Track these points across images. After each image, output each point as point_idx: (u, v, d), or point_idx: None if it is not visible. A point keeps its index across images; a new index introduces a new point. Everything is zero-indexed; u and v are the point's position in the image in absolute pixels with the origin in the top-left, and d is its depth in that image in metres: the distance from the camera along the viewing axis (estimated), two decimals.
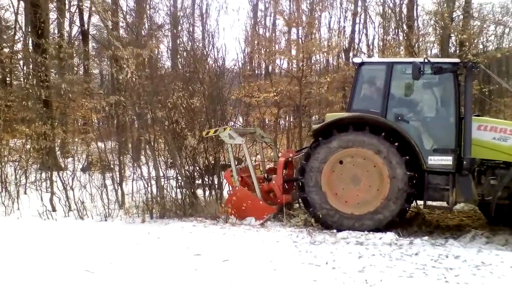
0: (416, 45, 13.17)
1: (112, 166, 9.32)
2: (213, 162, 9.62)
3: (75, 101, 13.74)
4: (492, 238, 6.89)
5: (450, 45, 14.19)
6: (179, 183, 8.60)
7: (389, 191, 6.78)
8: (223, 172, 10.36)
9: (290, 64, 17.10)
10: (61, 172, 9.26)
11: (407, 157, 6.75)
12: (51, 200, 8.61)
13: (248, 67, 20.61)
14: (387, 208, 6.82)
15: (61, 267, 5.11)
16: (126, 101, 8.65)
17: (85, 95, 12.97)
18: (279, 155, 9.48)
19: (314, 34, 16.37)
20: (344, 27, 19.21)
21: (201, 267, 5.14)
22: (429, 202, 7.11)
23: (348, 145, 6.94)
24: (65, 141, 12.50)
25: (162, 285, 4.58)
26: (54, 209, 8.49)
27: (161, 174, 8.67)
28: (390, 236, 6.48)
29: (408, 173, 6.72)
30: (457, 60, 7.09)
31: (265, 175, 8.52)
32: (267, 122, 16.41)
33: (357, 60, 7.58)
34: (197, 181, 9.39)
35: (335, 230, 6.97)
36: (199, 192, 9.11)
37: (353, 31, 17.50)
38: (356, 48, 17.50)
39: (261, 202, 7.71)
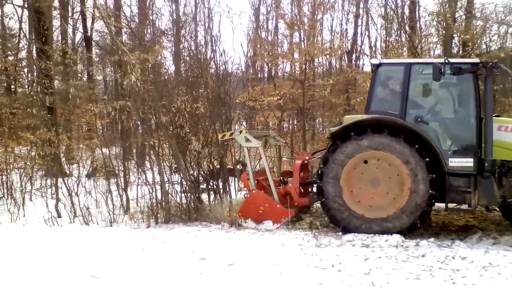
0: (419, 46, 13.15)
1: (116, 172, 9.33)
2: (218, 166, 9.63)
3: (79, 107, 13.82)
4: (499, 239, 6.82)
5: (453, 45, 14.18)
6: (184, 188, 8.61)
7: (406, 203, 6.70)
8: (228, 176, 10.40)
9: (293, 67, 17.13)
10: (66, 178, 9.28)
11: (434, 175, 6.64)
12: (56, 206, 8.63)
13: (251, 71, 20.68)
14: (399, 219, 6.73)
15: (66, 273, 5.13)
16: (131, 107, 8.66)
17: (90, 101, 13.01)
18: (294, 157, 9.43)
19: (316, 37, 16.40)
20: (346, 29, 19.23)
21: (206, 272, 5.14)
22: (450, 205, 6.91)
23: (378, 147, 6.82)
24: (69, 148, 12.54)
25: None
26: (59, 215, 8.52)
27: (166, 179, 8.68)
28: (396, 238, 6.44)
29: (431, 191, 6.63)
30: (477, 60, 6.96)
31: (281, 178, 8.47)
32: (270, 125, 16.40)
33: (374, 61, 7.44)
34: (201, 186, 9.41)
35: (340, 233, 6.94)
36: (204, 196, 9.11)
37: (355, 33, 17.51)
38: (358, 50, 17.51)
39: (278, 206, 7.66)
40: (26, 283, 4.84)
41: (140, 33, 11.11)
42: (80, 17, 18.48)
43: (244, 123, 18.00)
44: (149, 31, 15.84)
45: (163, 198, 8.35)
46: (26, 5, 16.25)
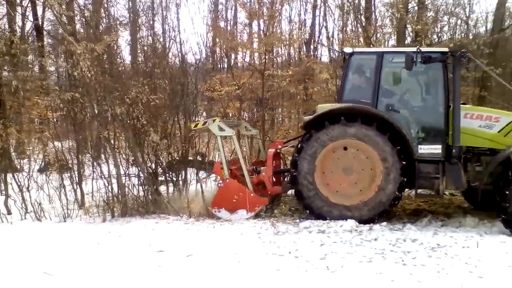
0: (374, 36, 13.46)
1: (70, 166, 9.05)
2: (178, 158, 9.53)
3: (30, 100, 13.23)
4: (447, 221, 7.19)
5: (406, 36, 14.61)
6: (141, 181, 8.47)
7: (371, 198, 6.90)
8: (189, 168, 10.31)
9: (252, 57, 17.11)
10: (17, 173, 8.90)
11: (405, 179, 6.84)
12: (6, 203, 8.27)
13: (211, 61, 20.49)
14: (360, 211, 6.94)
15: (17, 271, 4.94)
16: (83, 98, 8.38)
17: (39, 93, 12.46)
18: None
19: (276, 27, 16.44)
20: (304, 20, 19.38)
21: (164, 264, 5.10)
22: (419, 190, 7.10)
23: (363, 138, 6.92)
24: (20, 141, 12.01)
25: (124, 284, 4.50)
26: (9, 212, 8.16)
27: (122, 172, 8.50)
28: (350, 223, 6.65)
29: (397, 193, 6.84)
30: (445, 49, 7.14)
31: (254, 167, 8.46)
32: (230, 116, 16.37)
33: (347, 50, 7.47)
34: (160, 178, 9.28)
35: (298, 220, 7.07)
36: (163, 188, 9.00)
37: (313, 24, 17.67)
38: (316, 41, 17.69)
39: (252, 194, 7.65)
40: None
41: (93, 22, 10.72)
42: (29, 5, 17.59)
43: (204, 114, 17.88)
44: (103, 20, 15.36)
45: (119, 191, 8.18)
46: None
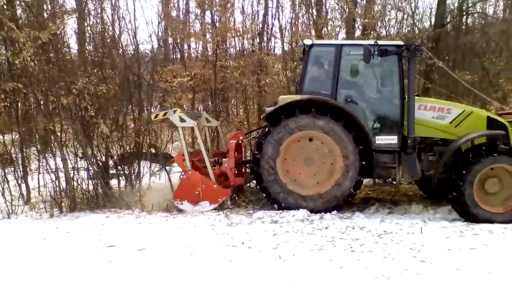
0: (324, 29, 13.70)
1: (14, 160, 8.61)
2: (130, 150, 9.32)
3: None
4: (394, 209, 7.52)
5: (356, 29, 15.00)
6: (91, 174, 8.21)
7: (327, 192, 7.08)
8: (142, 160, 10.10)
9: (205, 48, 16.92)
10: None
11: (362, 178, 7.07)
12: None
13: (163, 51, 20.05)
14: (314, 202, 7.11)
15: None
16: (26, 88, 7.96)
17: None
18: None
19: (228, 18, 16.32)
20: (257, 11, 19.36)
21: (115, 258, 5.00)
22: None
23: (329, 132, 7.02)
24: None
25: (73, 281, 4.37)
26: None
27: (71, 166, 8.20)
28: (302, 213, 6.80)
29: (352, 191, 7.05)
30: (400, 42, 7.32)
31: (215, 159, 8.41)
32: (184, 108, 16.15)
33: (307, 42, 7.52)
34: (111, 171, 9.05)
35: (251, 211, 7.15)
36: (114, 182, 8.78)
37: (265, 15, 17.70)
38: (269, 32, 17.74)
39: (215, 186, 7.61)
40: None
41: (36, 7, 10.15)
42: None
43: (158, 106, 17.53)
44: (48, 6, 14.59)
45: (67, 186, 7.89)
46: None
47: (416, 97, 7.21)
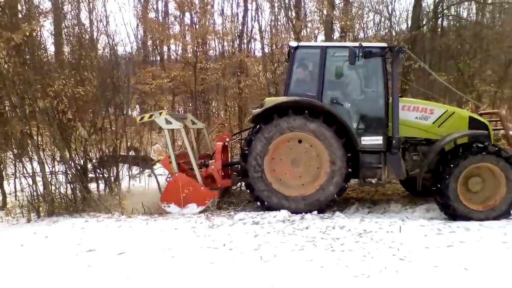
0: (302, 31, 13.82)
1: None
2: (109, 153, 9.21)
3: None
4: (373, 208, 7.64)
5: (335, 31, 15.17)
6: (69, 178, 8.08)
7: (310, 195, 7.12)
8: (122, 163, 9.99)
9: (185, 50, 16.85)
10: None
11: (346, 185, 7.15)
12: None
13: (143, 53, 19.89)
14: (297, 203, 7.14)
15: None
16: (0, 91, 7.78)
17: None
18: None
19: (208, 20, 16.29)
20: (237, 13, 19.39)
21: (95, 263, 4.93)
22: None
23: (319, 136, 7.05)
24: None
25: (51, 286, 4.30)
26: None
27: (49, 170, 8.05)
28: (283, 213, 6.83)
29: (335, 197, 7.08)
30: (384, 44, 7.41)
31: (202, 161, 8.36)
32: (165, 110, 16.05)
33: (292, 44, 7.55)
34: (90, 175, 8.92)
35: (232, 213, 7.15)
36: (93, 186, 8.66)
37: (244, 17, 17.74)
38: (249, 34, 17.79)
39: (202, 188, 7.57)
40: None
41: (9, 7, 9.92)
42: None
43: (137, 108, 17.36)
44: (22, 7, 14.29)
45: (45, 190, 7.74)
46: None
47: (400, 98, 7.32)
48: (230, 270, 4.55)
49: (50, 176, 7.95)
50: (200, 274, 4.45)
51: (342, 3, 14.47)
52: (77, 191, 7.97)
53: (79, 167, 8.37)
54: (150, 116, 7.99)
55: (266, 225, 6.35)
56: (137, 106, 17.15)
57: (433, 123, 7.28)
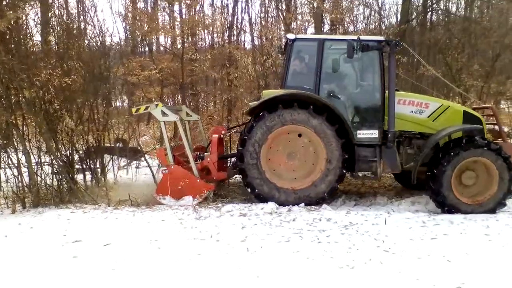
0: (293, 24, 13.81)
1: None
2: (97, 144, 9.14)
3: None
4: (359, 201, 7.70)
5: (325, 24, 15.18)
6: (55, 169, 8.00)
7: (302, 190, 7.15)
8: (106, 155, 9.92)
9: (174, 41, 16.73)
10: None
11: (338, 186, 7.19)
12: None
13: (131, 44, 19.67)
14: (287, 196, 7.16)
15: None
16: None
17: None
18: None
19: (197, 11, 16.18)
20: (227, 5, 19.27)
21: (80, 254, 4.90)
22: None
23: (320, 133, 7.07)
24: None
25: (36, 277, 4.26)
26: None
27: (35, 160, 7.96)
28: (271, 205, 6.87)
29: (325, 195, 7.11)
30: (381, 38, 7.35)
31: (197, 153, 8.32)
32: (153, 101, 15.94)
33: (290, 36, 7.50)
34: (77, 166, 8.85)
35: (220, 205, 7.15)
36: (79, 177, 8.59)
37: (234, 8, 17.65)
38: (239, 27, 17.72)
39: (198, 180, 7.53)
40: None
41: None
42: None
43: (126, 99, 17.21)
44: None
45: (30, 181, 7.66)
46: None
47: (395, 91, 7.34)
48: (217, 262, 4.55)
49: (36, 167, 7.87)
50: (186, 266, 4.45)
51: None
52: (63, 182, 7.91)
53: (65, 158, 8.30)
54: (146, 108, 7.92)
55: (254, 217, 6.37)
56: (125, 97, 17.02)
57: (428, 117, 7.34)
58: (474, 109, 8.06)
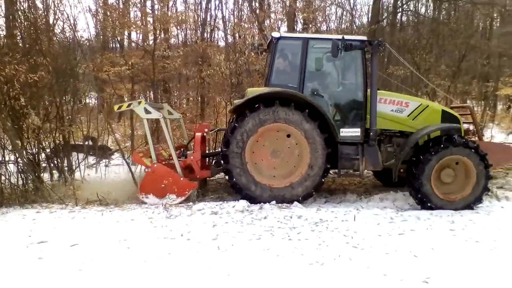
0: (266, 22, 13.83)
1: None
2: (64, 142, 8.91)
3: None
4: (330, 198, 7.79)
5: (298, 23, 15.28)
6: (20, 168, 7.75)
7: (278, 189, 7.16)
8: (77, 153, 9.70)
9: (145, 37, 16.49)
10: None
11: (314, 193, 7.19)
12: None
13: (101, 39, 19.29)
14: (264, 193, 7.16)
15: None
16: None
17: None
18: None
19: (170, 8, 16.01)
20: (200, 2, 19.13)
21: (46, 255, 4.76)
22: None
23: (308, 135, 7.06)
24: None
25: None
26: None
27: None
28: (242, 203, 6.86)
29: (301, 199, 7.13)
30: (364, 38, 7.41)
31: (181, 150, 8.17)
32: (125, 99, 15.67)
33: (275, 34, 7.46)
34: (43, 164, 8.61)
35: (191, 203, 7.10)
36: (46, 176, 8.35)
37: (207, 5, 17.55)
38: (212, 24, 17.62)
39: (182, 179, 7.42)
40: None
41: None
42: None
43: (96, 95, 16.85)
44: None
45: None
46: None
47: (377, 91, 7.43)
48: (187, 261, 4.51)
49: None
50: (156, 265, 4.40)
51: None
52: (29, 181, 7.67)
53: (31, 156, 8.06)
54: (129, 105, 7.75)
55: (225, 215, 6.35)
56: (95, 94, 16.67)
57: (408, 116, 7.48)
58: (452, 108, 8.28)
